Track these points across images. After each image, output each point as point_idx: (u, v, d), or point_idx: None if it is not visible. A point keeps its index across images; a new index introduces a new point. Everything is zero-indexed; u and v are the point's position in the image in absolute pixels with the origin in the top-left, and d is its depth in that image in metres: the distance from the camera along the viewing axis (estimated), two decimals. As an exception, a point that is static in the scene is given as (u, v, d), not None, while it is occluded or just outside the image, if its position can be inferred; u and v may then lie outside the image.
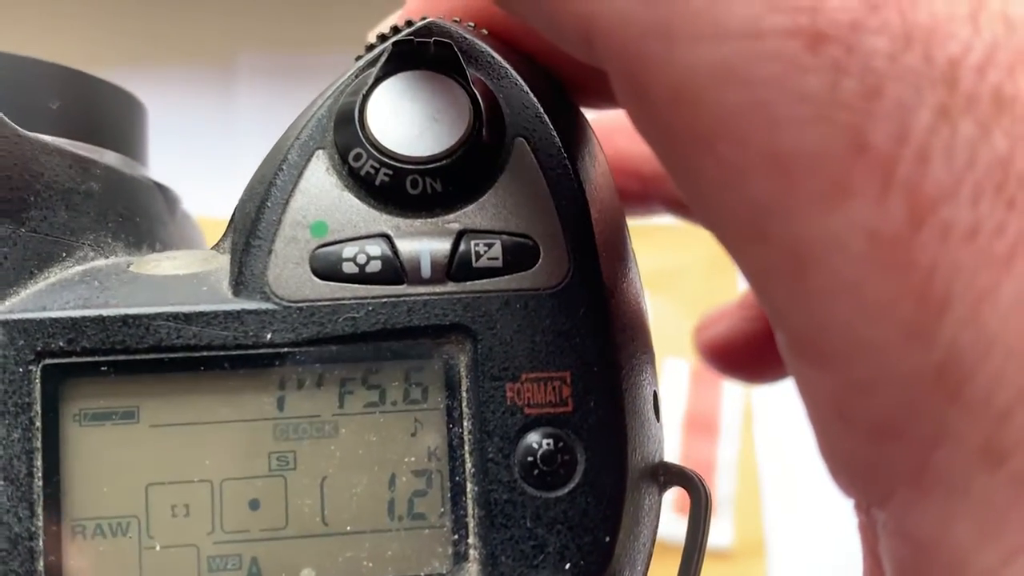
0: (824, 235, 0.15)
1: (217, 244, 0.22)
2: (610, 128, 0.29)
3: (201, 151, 0.78)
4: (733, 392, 0.90)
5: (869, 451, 0.16)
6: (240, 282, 0.21)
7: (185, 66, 0.86)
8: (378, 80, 0.21)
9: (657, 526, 0.22)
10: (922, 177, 0.14)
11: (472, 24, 0.23)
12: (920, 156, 0.14)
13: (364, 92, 0.21)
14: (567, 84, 0.23)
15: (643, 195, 0.31)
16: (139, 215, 0.24)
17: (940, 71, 0.14)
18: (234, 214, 0.22)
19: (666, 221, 0.34)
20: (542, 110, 0.22)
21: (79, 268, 0.22)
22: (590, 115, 0.24)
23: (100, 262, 0.22)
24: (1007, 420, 0.14)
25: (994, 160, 0.14)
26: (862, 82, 0.14)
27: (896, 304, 0.15)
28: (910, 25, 0.15)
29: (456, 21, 0.22)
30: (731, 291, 0.86)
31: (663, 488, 0.22)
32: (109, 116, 0.26)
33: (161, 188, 0.26)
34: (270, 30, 0.87)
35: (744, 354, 0.34)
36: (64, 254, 0.22)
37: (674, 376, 0.89)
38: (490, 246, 0.21)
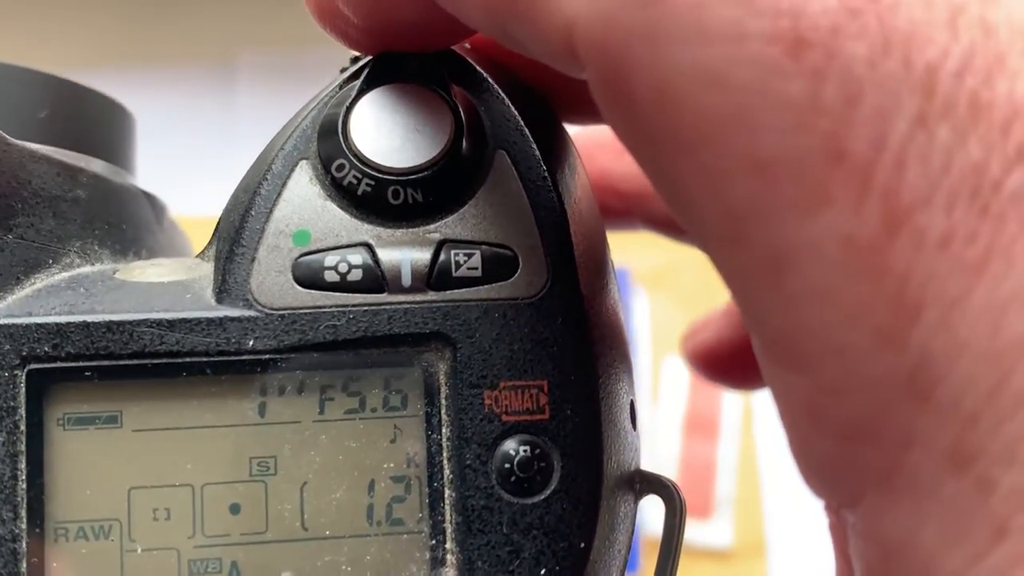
0: (801, 241, 0.15)
1: (202, 252, 0.23)
2: (593, 146, 0.30)
3: (201, 151, 0.78)
4: (733, 392, 0.90)
5: (840, 453, 0.16)
6: (223, 289, 0.21)
7: (185, 66, 0.86)
8: (361, 92, 0.22)
9: (633, 533, 0.22)
10: (898, 184, 0.14)
11: None
12: (897, 163, 0.14)
13: (347, 104, 0.22)
14: (549, 100, 0.24)
15: (624, 212, 0.31)
16: (126, 223, 0.24)
17: (918, 77, 0.15)
18: (219, 222, 0.22)
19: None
20: (523, 123, 0.22)
21: (65, 275, 0.22)
22: (573, 131, 0.24)
23: (86, 269, 0.23)
24: (974, 424, 0.14)
25: (969, 167, 0.14)
26: (841, 89, 0.15)
27: (870, 310, 0.15)
28: (889, 30, 0.15)
29: None
30: (728, 292, 0.86)
31: (639, 496, 0.22)
32: (96, 125, 0.26)
33: (148, 196, 0.26)
34: (270, 30, 0.87)
35: (730, 361, 0.34)
36: (50, 261, 0.22)
37: (674, 376, 0.89)
38: (470, 256, 0.21)
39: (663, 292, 0.92)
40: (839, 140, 0.15)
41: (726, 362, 0.35)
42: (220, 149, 0.80)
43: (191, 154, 0.78)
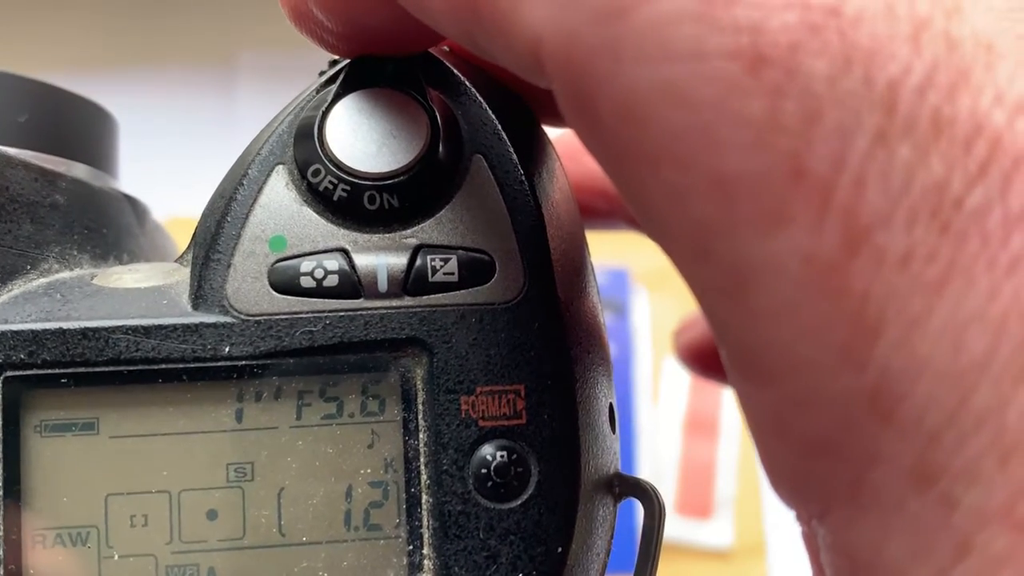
0: (763, 257, 0.15)
1: (180, 257, 0.23)
2: (577, 148, 0.30)
3: (201, 152, 0.78)
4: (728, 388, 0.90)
5: (807, 467, 0.16)
6: (199, 296, 0.21)
7: (185, 66, 0.86)
8: (337, 96, 0.22)
9: (612, 536, 0.22)
10: (858, 203, 0.14)
11: None
12: (856, 182, 0.14)
13: (324, 108, 0.22)
14: (530, 102, 0.24)
15: (609, 213, 0.31)
16: (106, 227, 0.24)
17: (879, 94, 0.14)
18: (196, 228, 0.22)
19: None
20: (500, 127, 0.22)
21: (43, 280, 0.22)
22: (556, 133, 0.24)
23: (64, 274, 0.23)
24: (936, 442, 0.14)
25: (930, 184, 0.14)
26: (801, 106, 0.14)
27: (831, 327, 0.15)
28: (850, 46, 0.14)
29: None
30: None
31: (618, 499, 0.22)
32: (78, 129, 0.26)
33: (130, 199, 0.26)
34: (270, 30, 0.87)
35: (718, 357, 0.34)
36: (28, 267, 0.22)
37: (674, 376, 0.89)
38: (446, 261, 0.21)
39: (663, 292, 0.91)
40: (799, 158, 0.14)
41: (716, 358, 0.35)
42: (219, 150, 0.80)
43: (190, 155, 0.78)
